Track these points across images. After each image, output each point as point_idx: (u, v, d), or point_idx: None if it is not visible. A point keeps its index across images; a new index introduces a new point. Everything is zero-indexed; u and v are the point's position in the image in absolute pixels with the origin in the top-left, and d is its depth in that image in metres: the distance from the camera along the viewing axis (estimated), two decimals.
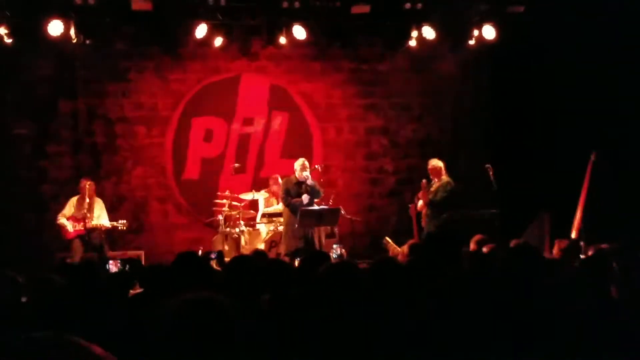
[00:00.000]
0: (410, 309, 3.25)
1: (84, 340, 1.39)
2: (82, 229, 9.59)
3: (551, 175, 9.93)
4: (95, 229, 9.62)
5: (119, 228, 9.78)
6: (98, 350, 1.09)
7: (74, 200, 9.72)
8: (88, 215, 9.61)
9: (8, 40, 9.74)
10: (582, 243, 8.57)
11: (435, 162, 9.63)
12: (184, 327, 1.76)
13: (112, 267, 6.15)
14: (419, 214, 9.77)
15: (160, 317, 1.78)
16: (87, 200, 9.66)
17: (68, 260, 8.49)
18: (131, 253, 9.79)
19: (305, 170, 9.44)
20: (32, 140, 10.84)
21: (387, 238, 10.17)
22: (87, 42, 10.30)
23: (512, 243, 5.76)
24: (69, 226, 9.56)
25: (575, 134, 9.81)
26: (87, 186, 9.68)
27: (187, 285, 3.69)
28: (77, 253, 9.42)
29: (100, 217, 9.74)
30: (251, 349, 1.84)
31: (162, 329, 1.76)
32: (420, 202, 9.59)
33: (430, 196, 9.41)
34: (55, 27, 9.69)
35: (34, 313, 2.43)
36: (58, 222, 9.65)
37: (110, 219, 9.83)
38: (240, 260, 4.20)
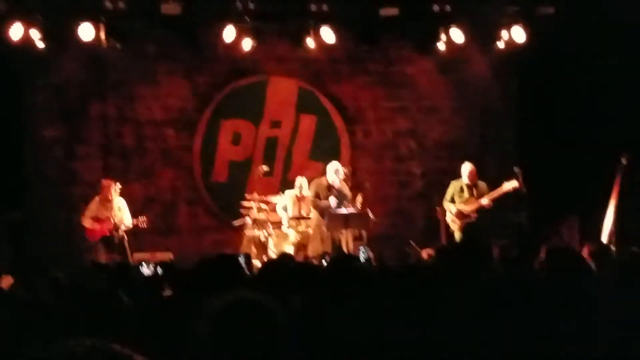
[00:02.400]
0: (439, 311, 3.24)
1: (124, 345, 1.40)
2: (105, 230, 9.69)
3: (581, 178, 9.82)
4: (117, 229, 9.70)
5: (140, 225, 9.84)
6: (139, 358, 1.10)
7: (96, 200, 9.84)
8: (110, 215, 9.71)
9: (40, 44, 9.88)
10: (612, 247, 8.46)
11: (472, 165, 9.64)
12: (230, 327, 1.76)
13: (145, 269, 6.20)
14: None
15: (206, 318, 1.78)
16: (111, 199, 9.75)
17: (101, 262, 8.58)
18: (160, 255, 9.86)
19: (338, 174, 9.49)
20: (63, 142, 10.98)
21: (412, 242, 10.14)
22: (117, 45, 10.42)
23: (549, 246, 5.70)
24: (95, 227, 9.68)
25: (605, 136, 9.69)
26: (106, 186, 9.78)
27: (219, 288, 3.71)
28: (101, 254, 9.53)
29: (123, 217, 9.83)
30: (293, 351, 1.83)
31: (208, 329, 1.76)
32: (468, 208, 9.51)
33: (486, 201, 9.37)
34: (85, 31, 9.83)
35: (71, 314, 2.47)
36: (83, 223, 9.78)
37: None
38: (274, 262, 4.22)
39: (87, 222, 9.78)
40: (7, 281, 5.95)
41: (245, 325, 1.76)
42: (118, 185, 9.90)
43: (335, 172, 9.54)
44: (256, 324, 1.77)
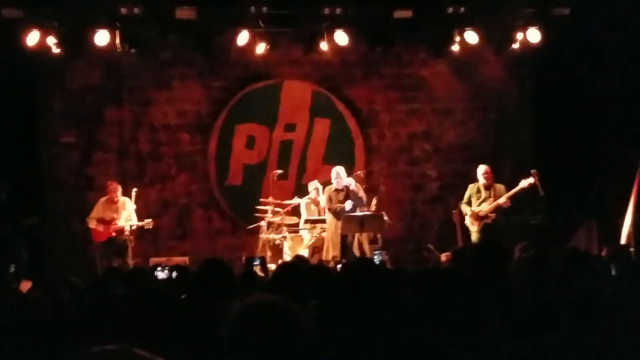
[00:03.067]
0: (456, 314, 3.22)
1: (147, 350, 1.41)
2: (110, 231, 9.72)
3: (599, 180, 9.74)
4: (122, 232, 9.72)
5: (145, 227, 9.86)
6: None
7: (102, 201, 9.87)
8: (115, 217, 9.73)
9: (56, 50, 9.96)
10: (631, 249, 8.40)
11: (487, 166, 9.62)
12: (251, 329, 1.75)
13: (160, 273, 6.22)
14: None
15: (227, 320, 1.78)
16: (117, 200, 9.79)
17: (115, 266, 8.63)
18: (176, 259, 9.88)
19: (340, 179, 9.55)
20: (79, 147, 11.05)
21: (430, 245, 10.10)
22: (132, 51, 10.48)
23: (565, 249, 5.67)
24: (99, 228, 9.73)
25: (623, 138, 9.61)
26: (113, 188, 9.81)
27: (231, 292, 3.72)
28: (105, 257, 9.58)
29: (129, 218, 9.83)
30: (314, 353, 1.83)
31: (229, 332, 1.76)
32: (485, 209, 9.47)
33: (504, 199, 9.34)
34: (101, 37, 9.90)
35: (91, 319, 2.48)
36: (88, 224, 9.83)
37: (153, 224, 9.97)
38: (288, 266, 4.22)
39: (92, 224, 9.84)
40: (27, 286, 5.99)
41: (266, 327, 1.76)
42: (134, 190, 9.92)
43: (336, 177, 9.62)
44: (277, 326, 1.76)
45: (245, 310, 1.78)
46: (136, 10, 9.82)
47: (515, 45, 10.51)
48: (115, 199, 9.85)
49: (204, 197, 11.37)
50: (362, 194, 9.73)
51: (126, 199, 9.96)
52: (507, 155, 11.36)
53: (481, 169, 9.66)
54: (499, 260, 4.15)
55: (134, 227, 9.84)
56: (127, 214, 9.87)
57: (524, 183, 9.31)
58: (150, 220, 9.89)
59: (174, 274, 6.16)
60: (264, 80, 11.39)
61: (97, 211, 9.88)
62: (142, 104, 11.23)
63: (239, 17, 10.27)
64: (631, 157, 9.17)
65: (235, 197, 11.36)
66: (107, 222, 9.78)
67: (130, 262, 9.69)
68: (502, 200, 9.39)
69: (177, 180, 11.29)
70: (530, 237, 9.78)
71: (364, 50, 11.07)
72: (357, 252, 9.52)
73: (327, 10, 10.16)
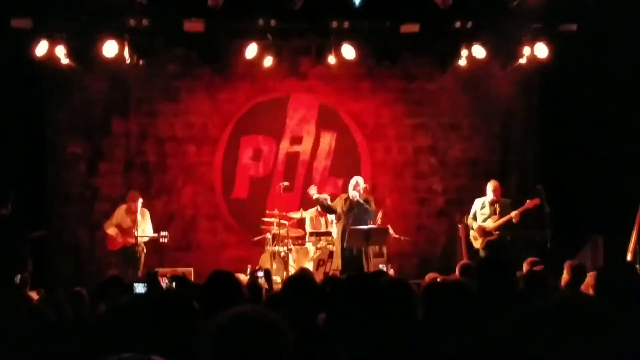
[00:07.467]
0: (467, 330, 3.20)
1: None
2: (127, 240, 9.69)
3: (605, 196, 9.69)
4: (137, 243, 9.69)
5: (160, 240, 9.83)
6: None
7: (122, 208, 9.84)
8: (132, 227, 9.71)
9: (65, 61, 9.99)
10: (637, 266, 8.34)
11: (497, 182, 9.56)
12: (231, 341, 1.74)
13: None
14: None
15: (208, 331, 1.77)
16: (138, 214, 9.77)
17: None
18: (181, 270, 9.86)
19: (355, 189, 9.45)
20: (86, 158, 11.07)
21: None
22: (140, 62, 10.50)
23: (570, 263, 5.64)
24: (118, 236, 9.69)
25: (630, 153, 9.57)
26: (133, 198, 9.77)
27: (235, 303, 3.70)
28: (118, 266, 9.56)
29: (145, 230, 9.82)
30: None
31: (209, 343, 1.75)
32: (490, 225, 9.42)
33: (513, 218, 9.28)
34: (109, 48, 9.92)
35: (92, 329, 2.47)
36: (106, 230, 9.79)
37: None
38: (296, 279, 4.20)
39: (110, 230, 9.79)
40: (33, 297, 5.97)
41: (247, 339, 1.74)
42: (139, 201, 9.91)
43: (354, 187, 9.51)
44: (259, 337, 1.75)
45: (227, 321, 1.76)
46: (145, 22, 9.86)
47: (523, 60, 10.51)
48: (134, 209, 9.80)
49: (210, 209, 11.37)
50: (367, 206, 9.58)
51: (145, 210, 9.91)
52: (513, 170, 11.35)
53: (491, 185, 9.60)
54: (503, 276, 4.12)
55: (149, 236, 9.77)
56: (144, 225, 9.82)
57: (530, 204, 9.26)
58: (165, 233, 9.84)
59: (174, 285, 6.15)
60: (271, 92, 11.42)
61: (117, 217, 9.84)
62: (149, 116, 11.26)
63: (247, 29, 10.31)
64: (638, 172, 9.12)
65: (240, 209, 11.36)
66: (124, 230, 9.75)
67: (142, 272, 9.67)
68: (505, 218, 9.34)
69: (183, 192, 11.30)
70: (536, 252, 9.76)
71: (370, 64, 11.09)
72: (364, 265, 9.46)
73: (334, 24, 10.18)
